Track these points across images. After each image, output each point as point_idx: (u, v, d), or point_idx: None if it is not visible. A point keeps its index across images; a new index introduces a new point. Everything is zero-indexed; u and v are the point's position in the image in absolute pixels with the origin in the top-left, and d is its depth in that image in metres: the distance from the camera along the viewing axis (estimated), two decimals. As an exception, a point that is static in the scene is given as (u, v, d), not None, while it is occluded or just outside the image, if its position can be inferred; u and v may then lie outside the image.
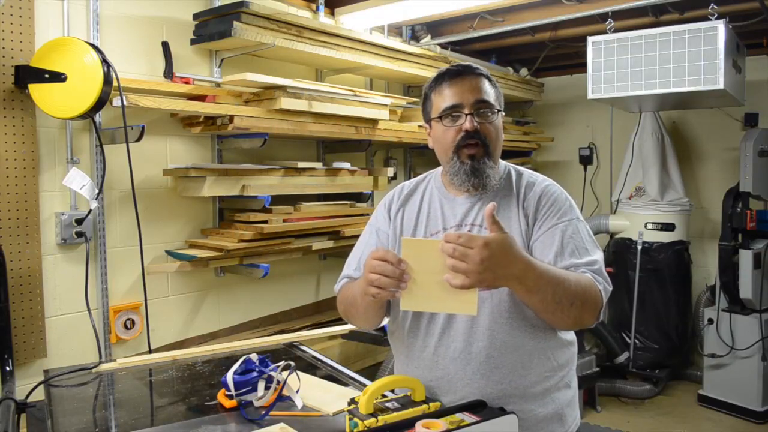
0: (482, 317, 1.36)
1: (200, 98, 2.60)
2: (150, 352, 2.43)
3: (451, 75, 1.43)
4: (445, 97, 1.42)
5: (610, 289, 1.38)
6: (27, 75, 2.15)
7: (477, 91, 1.40)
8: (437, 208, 1.49)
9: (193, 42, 2.74)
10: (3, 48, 2.15)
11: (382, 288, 1.22)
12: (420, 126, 3.46)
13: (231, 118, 2.57)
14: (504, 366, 1.36)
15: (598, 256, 1.39)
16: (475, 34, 3.74)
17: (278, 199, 2.89)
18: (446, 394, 1.38)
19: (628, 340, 4.07)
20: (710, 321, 3.79)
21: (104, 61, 2.14)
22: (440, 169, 1.54)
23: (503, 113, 1.48)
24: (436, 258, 1.17)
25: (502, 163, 1.52)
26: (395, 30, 3.81)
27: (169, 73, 2.62)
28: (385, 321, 1.56)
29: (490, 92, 1.43)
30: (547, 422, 1.39)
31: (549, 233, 1.38)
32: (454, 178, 1.42)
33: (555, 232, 1.38)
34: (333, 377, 1.72)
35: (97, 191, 2.34)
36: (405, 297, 1.24)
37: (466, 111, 1.39)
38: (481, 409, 1.26)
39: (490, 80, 1.45)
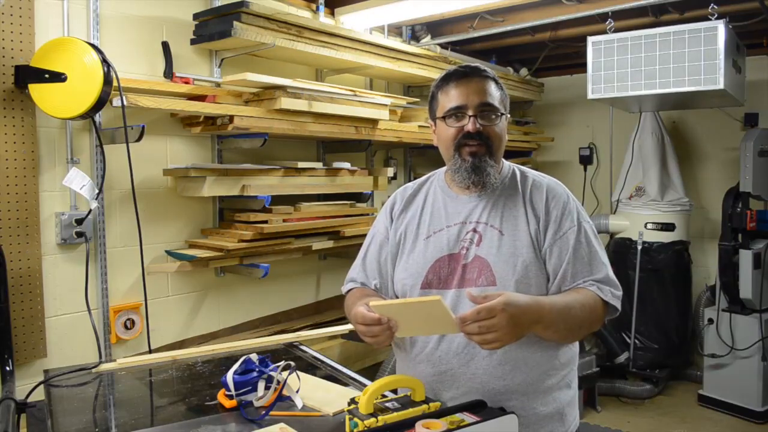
0: None
1: (200, 98, 2.60)
2: (150, 352, 2.43)
3: (458, 76, 1.45)
4: (450, 98, 1.44)
5: (620, 293, 1.42)
6: (27, 75, 2.15)
7: (482, 94, 1.42)
8: (440, 206, 1.50)
9: (193, 42, 2.74)
10: (3, 48, 2.15)
11: (380, 343, 1.31)
12: (420, 126, 3.46)
13: (231, 118, 2.57)
14: (507, 362, 1.37)
15: (606, 260, 1.44)
16: (475, 34, 3.74)
17: (278, 199, 2.89)
18: (449, 389, 1.39)
19: (628, 340, 4.07)
20: (710, 321, 3.79)
21: (104, 61, 2.14)
22: (444, 169, 1.56)
23: (508, 116, 1.49)
24: (406, 314, 1.26)
25: (506, 163, 1.54)
26: (395, 30, 3.81)
27: (169, 73, 2.62)
28: None
29: (495, 95, 1.45)
30: (548, 421, 1.41)
31: (563, 239, 1.41)
32: (456, 175, 1.45)
33: (567, 238, 1.41)
34: (333, 377, 1.72)
35: (97, 191, 2.34)
36: (398, 331, 1.32)
37: (470, 113, 1.41)
38: (481, 409, 1.26)
39: (497, 82, 1.47)
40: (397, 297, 1.52)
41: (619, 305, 1.41)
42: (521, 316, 1.22)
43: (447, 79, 1.47)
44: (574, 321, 1.33)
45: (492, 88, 1.45)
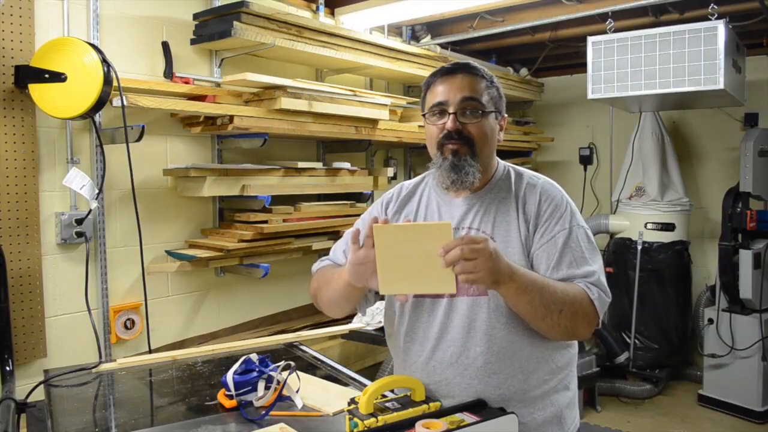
0: (479, 322, 1.35)
1: (200, 98, 2.60)
2: (150, 352, 2.43)
3: (444, 72, 1.43)
4: (435, 94, 1.41)
5: (608, 300, 1.36)
6: (27, 75, 2.15)
7: (464, 89, 1.38)
8: (434, 210, 1.48)
9: (193, 42, 2.74)
10: (3, 48, 2.15)
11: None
12: (420, 126, 3.46)
13: (231, 118, 2.57)
14: (502, 371, 1.35)
15: (597, 266, 1.37)
16: (475, 34, 3.74)
17: (278, 199, 2.89)
18: (444, 398, 1.37)
19: (628, 340, 4.07)
20: (710, 321, 3.79)
21: (104, 61, 2.14)
22: None
23: (502, 114, 1.45)
24: (408, 242, 1.20)
25: (502, 163, 1.50)
26: (395, 30, 3.81)
27: (169, 73, 2.62)
28: (358, 318, 1.56)
29: (481, 91, 1.40)
30: (546, 425, 1.38)
31: (551, 243, 1.36)
32: (436, 173, 1.41)
33: (556, 242, 1.36)
34: (333, 377, 1.72)
35: (97, 191, 2.34)
36: (383, 281, 1.25)
37: (451, 110, 1.37)
38: (481, 409, 1.26)
39: (488, 80, 1.42)
40: (386, 302, 1.50)
41: (602, 309, 1.34)
42: (500, 258, 1.21)
43: (434, 75, 1.44)
44: (552, 298, 1.26)
45: (479, 84, 1.40)
